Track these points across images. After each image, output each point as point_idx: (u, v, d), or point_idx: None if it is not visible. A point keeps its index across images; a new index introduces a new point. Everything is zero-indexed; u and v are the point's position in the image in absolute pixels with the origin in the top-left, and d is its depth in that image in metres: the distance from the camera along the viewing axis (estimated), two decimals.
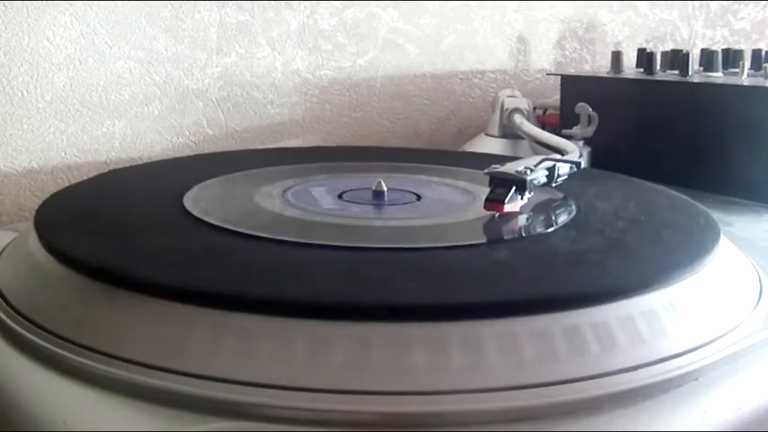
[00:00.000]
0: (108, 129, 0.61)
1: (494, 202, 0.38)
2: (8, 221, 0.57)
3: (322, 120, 0.71)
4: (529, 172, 0.39)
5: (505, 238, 0.36)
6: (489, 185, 0.39)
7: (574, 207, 0.40)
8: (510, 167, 0.39)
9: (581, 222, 0.38)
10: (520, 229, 0.37)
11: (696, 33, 0.89)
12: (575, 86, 0.67)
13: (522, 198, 0.39)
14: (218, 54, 0.65)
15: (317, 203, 0.41)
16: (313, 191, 0.44)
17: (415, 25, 0.73)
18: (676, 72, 0.62)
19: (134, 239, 0.34)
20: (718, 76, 0.61)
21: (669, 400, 0.26)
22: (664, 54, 0.66)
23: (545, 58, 0.82)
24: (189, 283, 0.29)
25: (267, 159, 0.53)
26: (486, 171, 0.39)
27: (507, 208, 0.38)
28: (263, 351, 0.25)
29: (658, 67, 0.64)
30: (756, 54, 0.65)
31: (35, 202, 0.57)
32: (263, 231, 0.34)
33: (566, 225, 0.37)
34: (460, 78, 0.77)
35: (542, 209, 0.40)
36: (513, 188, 0.38)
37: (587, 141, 0.59)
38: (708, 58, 0.63)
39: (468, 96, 0.77)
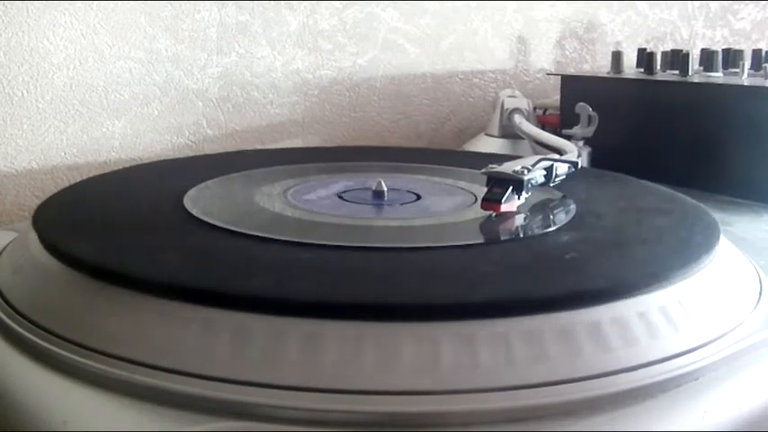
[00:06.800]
0: (108, 129, 0.61)
1: (490, 201, 0.38)
2: (8, 221, 0.58)
3: (322, 120, 0.71)
4: (526, 171, 0.39)
5: (502, 238, 0.36)
6: (486, 185, 0.39)
7: (573, 207, 0.40)
8: (507, 167, 0.39)
9: (580, 222, 0.37)
10: (517, 228, 0.37)
11: (696, 33, 0.89)
12: (575, 86, 0.67)
13: (519, 198, 0.39)
14: (218, 54, 0.65)
15: (317, 203, 0.41)
16: (313, 191, 0.44)
17: (415, 25, 0.73)
18: (676, 72, 0.62)
19: (134, 239, 0.34)
20: (718, 76, 0.61)
21: (669, 400, 0.26)
22: (664, 54, 0.66)
23: (545, 58, 0.82)
24: (188, 282, 0.29)
25: (267, 159, 0.53)
26: (483, 170, 0.39)
27: (504, 207, 0.38)
28: (262, 351, 0.25)
29: (658, 67, 0.64)
30: (756, 54, 0.65)
31: (35, 202, 0.57)
32: (263, 231, 0.34)
33: (564, 225, 0.37)
34: (460, 78, 0.77)
35: (541, 208, 0.40)
36: (510, 188, 0.38)
37: (587, 141, 0.59)
38: (708, 58, 0.63)
39: (468, 96, 0.77)
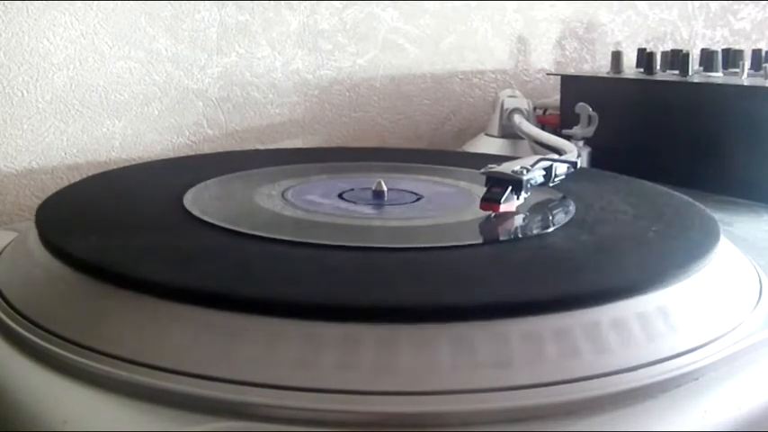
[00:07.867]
0: (108, 129, 0.61)
1: (489, 201, 0.38)
2: (8, 221, 0.57)
3: (322, 120, 0.71)
4: (525, 172, 0.39)
5: (501, 238, 0.36)
6: (485, 185, 0.39)
7: (572, 207, 0.40)
8: (506, 167, 0.39)
9: (580, 222, 0.37)
10: (516, 229, 0.37)
11: (696, 33, 0.89)
12: (575, 86, 0.67)
13: (518, 198, 0.39)
14: (218, 54, 0.65)
15: (317, 203, 0.41)
16: (313, 191, 0.44)
17: (415, 25, 0.73)
18: (676, 72, 0.62)
19: (134, 239, 0.34)
20: (718, 76, 0.61)
21: (669, 400, 0.26)
22: (664, 54, 0.66)
23: (545, 58, 0.82)
24: (188, 282, 0.29)
25: (267, 159, 0.53)
26: (482, 171, 0.39)
27: (503, 208, 0.38)
28: (262, 351, 0.25)
29: (658, 67, 0.64)
30: (756, 54, 0.65)
31: (35, 202, 0.57)
32: (263, 231, 0.34)
33: (565, 225, 0.37)
34: (460, 78, 0.77)
35: (541, 209, 0.40)
36: (509, 188, 0.38)
37: (587, 141, 0.59)
38: (708, 58, 0.63)
39: (468, 96, 0.77)
